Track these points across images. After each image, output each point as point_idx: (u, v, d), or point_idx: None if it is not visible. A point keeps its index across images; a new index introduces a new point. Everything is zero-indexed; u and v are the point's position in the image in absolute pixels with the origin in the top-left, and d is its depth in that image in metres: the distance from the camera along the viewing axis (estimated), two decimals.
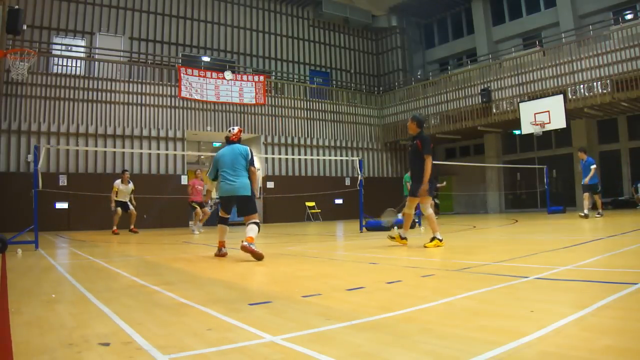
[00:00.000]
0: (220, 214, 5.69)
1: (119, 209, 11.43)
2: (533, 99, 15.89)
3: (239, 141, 5.72)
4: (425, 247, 5.75)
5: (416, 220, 11.46)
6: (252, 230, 5.19)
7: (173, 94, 17.42)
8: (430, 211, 5.90)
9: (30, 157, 14.22)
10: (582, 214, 11.30)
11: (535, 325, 1.99)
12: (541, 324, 2.00)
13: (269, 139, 19.14)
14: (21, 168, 14.60)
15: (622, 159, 17.97)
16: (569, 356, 1.62)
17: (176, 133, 17.27)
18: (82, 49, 17.30)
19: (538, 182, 19.29)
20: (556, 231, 8.23)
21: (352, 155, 20.65)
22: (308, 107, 20.45)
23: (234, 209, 5.64)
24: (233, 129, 5.73)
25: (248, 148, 5.64)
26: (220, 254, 5.52)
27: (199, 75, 17.92)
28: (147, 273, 4.38)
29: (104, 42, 17.69)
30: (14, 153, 14.65)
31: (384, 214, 9.24)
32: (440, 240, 5.82)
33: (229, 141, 5.68)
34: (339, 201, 19.93)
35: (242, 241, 5.06)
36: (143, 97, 16.88)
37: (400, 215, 11.27)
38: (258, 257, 4.96)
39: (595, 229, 8.10)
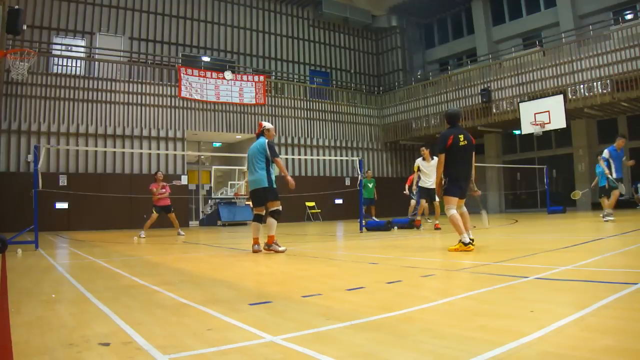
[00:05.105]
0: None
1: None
2: (533, 99, 15.88)
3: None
4: (448, 250, 5.27)
5: None
6: (272, 226, 5.99)
7: (173, 94, 17.42)
8: (450, 212, 5.29)
9: (30, 157, 14.21)
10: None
11: (535, 325, 1.99)
12: (541, 324, 2.00)
13: None
14: (21, 168, 14.60)
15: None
16: (569, 356, 1.62)
17: (176, 133, 17.27)
18: (82, 49, 17.29)
19: (538, 182, 19.29)
20: (556, 231, 8.23)
21: (352, 155, 20.65)
22: (308, 107, 20.45)
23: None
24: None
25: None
26: (254, 250, 5.98)
27: (199, 75, 17.91)
28: (147, 273, 4.37)
29: (104, 42, 17.68)
30: (14, 153, 14.65)
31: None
32: (466, 244, 5.09)
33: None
34: (339, 201, 19.93)
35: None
36: (143, 97, 16.87)
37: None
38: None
39: (596, 229, 8.10)
